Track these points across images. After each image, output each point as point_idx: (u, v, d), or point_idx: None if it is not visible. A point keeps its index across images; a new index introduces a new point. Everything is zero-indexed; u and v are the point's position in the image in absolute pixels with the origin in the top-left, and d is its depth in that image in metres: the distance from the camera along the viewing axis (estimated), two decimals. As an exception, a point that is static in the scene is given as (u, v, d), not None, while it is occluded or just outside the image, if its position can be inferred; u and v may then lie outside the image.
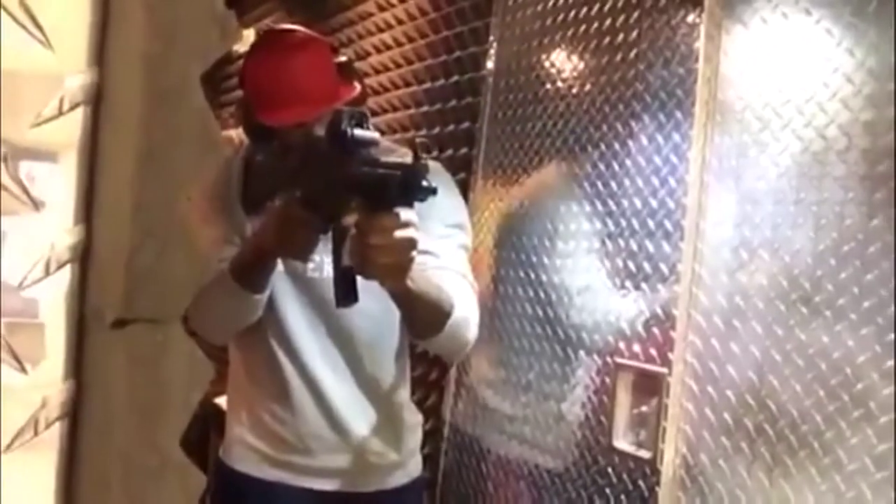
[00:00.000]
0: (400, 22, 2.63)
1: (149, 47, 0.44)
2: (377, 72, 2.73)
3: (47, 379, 0.46)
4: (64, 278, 0.46)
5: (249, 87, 1.33)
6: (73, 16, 0.45)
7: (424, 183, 1.00)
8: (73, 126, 0.46)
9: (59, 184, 0.46)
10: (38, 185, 0.45)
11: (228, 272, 1.28)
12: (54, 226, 0.45)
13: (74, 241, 0.45)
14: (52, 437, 0.47)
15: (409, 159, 1.01)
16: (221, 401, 1.83)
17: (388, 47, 2.68)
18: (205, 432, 3.23)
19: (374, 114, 2.69)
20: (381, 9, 2.72)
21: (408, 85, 2.57)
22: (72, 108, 0.45)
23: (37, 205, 0.44)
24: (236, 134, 1.41)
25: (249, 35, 3.30)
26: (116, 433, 0.46)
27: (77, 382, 0.47)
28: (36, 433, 0.45)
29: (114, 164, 0.46)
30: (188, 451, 3.65)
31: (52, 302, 0.47)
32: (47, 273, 0.45)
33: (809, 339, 1.25)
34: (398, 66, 2.63)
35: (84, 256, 0.46)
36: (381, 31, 2.73)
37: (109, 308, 0.47)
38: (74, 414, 0.48)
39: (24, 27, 0.42)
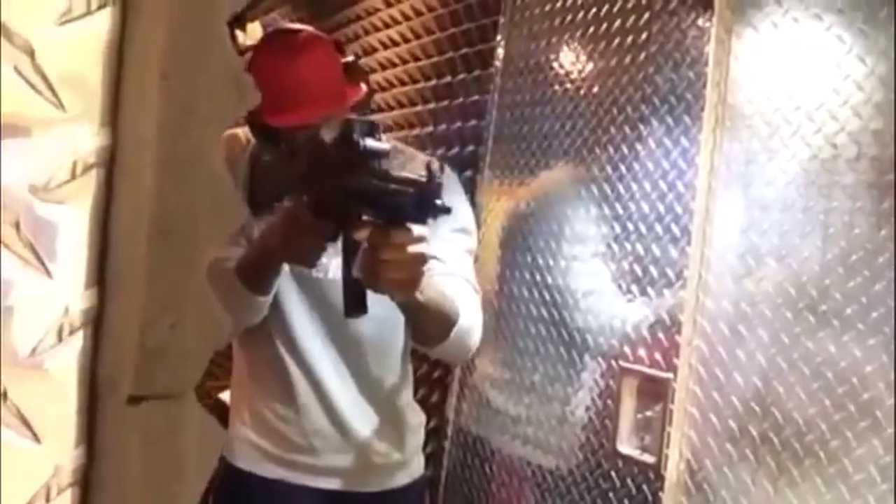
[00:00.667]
0: (407, 18, 2.62)
1: (165, 115, 0.43)
2: (384, 68, 2.72)
3: (59, 446, 0.45)
4: (77, 344, 0.45)
5: (255, 88, 1.33)
6: (86, 76, 0.44)
7: (438, 202, 0.99)
8: (85, 189, 0.45)
9: (71, 247, 0.45)
10: (49, 249, 0.44)
11: (234, 272, 1.27)
12: (67, 290, 0.44)
13: (87, 305, 0.44)
14: None
15: (422, 175, 1.00)
16: (225, 396, 1.84)
17: (395, 43, 2.67)
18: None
19: (381, 110, 2.69)
20: (388, 4, 2.71)
21: (415, 81, 2.57)
22: (85, 171, 0.45)
23: (48, 269, 0.43)
24: (243, 132, 1.40)
25: (255, 28, 3.29)
26: None
27: (89, 448, 0.46)
28: (48, 501, 0.44)
29: (126, 232, 0.45)
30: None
31: (64, 368, 0.46)
32: (60, 339, 0.44)
33: (816, 348, 1.25)
34: (405, 62, 2.63)
35: (97, 321, 0.46)
36: (387, 26, 2.72)
37: (123, 382, 0.46)
38: (86, 481, 0.47)
39: (34, 88, 0.41)
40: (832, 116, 1.29)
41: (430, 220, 1.02)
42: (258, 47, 1.36)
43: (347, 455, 1.47)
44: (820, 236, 1.28)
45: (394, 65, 2.68)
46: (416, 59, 2.57)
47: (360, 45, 2.83)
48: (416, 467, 1.58)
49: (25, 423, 0.43)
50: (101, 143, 0.46)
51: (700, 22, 1.52)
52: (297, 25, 1.43)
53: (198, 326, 0.45)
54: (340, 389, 1.44)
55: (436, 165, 0.98)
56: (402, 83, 2.62)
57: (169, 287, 0.44)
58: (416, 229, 1.06)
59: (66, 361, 0.45)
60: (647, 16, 1.65)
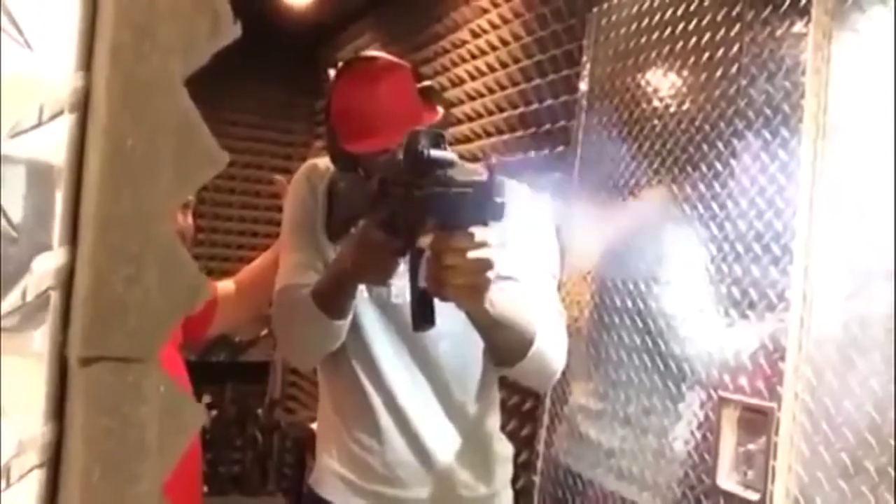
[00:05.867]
0: (493, 48, 2.62)
1: (117, 38, 0.40)
2: (471, 98, 2.73)
3: (25, 420, 0.42)
4: (44, 305, 0.42)
5: (333, 116, 1.34)
6: (57, 10, 0.41)
7: (498, 200, 0.97)
8: (56, 136, 0.43)
9: (40, 200, 0.42)
10: (15, 202, 0.41)
11: (311, 298, 1.28)
12: (33, 249, 0.41)
13: (57, 264, 0.41)
14: (30, 488, 0.42)
15: (483, 177, 0.98)
16: (315, 426, 1.84)
17: (483, 73, 2.68)
18: (301, 458, 3.28)
19: (469, 140, 2.69)
20: (475, 35, 2.73)
21: (502, 110, 2.56)
22: (54, 117, 0.42)
23: (13, 224, 0.40)
24: (322, 163, 1.42)
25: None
26: (78, 490, 0.41)
27: (60, 426, 0.42)
28: (9, 484, 0.40)
29: (88, 177, 0.42)
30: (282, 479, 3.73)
31: (30, 331, 0.42)
32: (24, 300, 0.41)
33: (939, 374, 1.13)
34: (492, 91, 2.62)
35: (69, 282, 0.43)
36: (474, 57, 2.73)
37: (74, 343, 0.42)
38: (57, 462, 0.43)
39: None
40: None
41: (490, 220, 0.99)
42: (336, 76, 1.37)
43: (433, 486, 1.43)
44: (939, 250, 1.16)
45: (481, 95, 2.68)
46: (504, 87, 2.56)
47: (448, 76, 2.85)
48: (504, 501, 1.52)
49: None
50: (73, 85, 0.42)
51: (795, 29, 1.44)
52: (374, 53, 1.43)
53: (160, 281, 0.41)
54: (423, 418, 1.41)
55: (494, 162, 0.96)
56: (490, 113, 2.62)
57: (124, 234, 0.40)
58: (480, 234, 1.04)
59: (32, 323, 0.42)
60: (738, 27, 1.57)
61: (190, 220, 1.58)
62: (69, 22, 0.42)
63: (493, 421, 1.51)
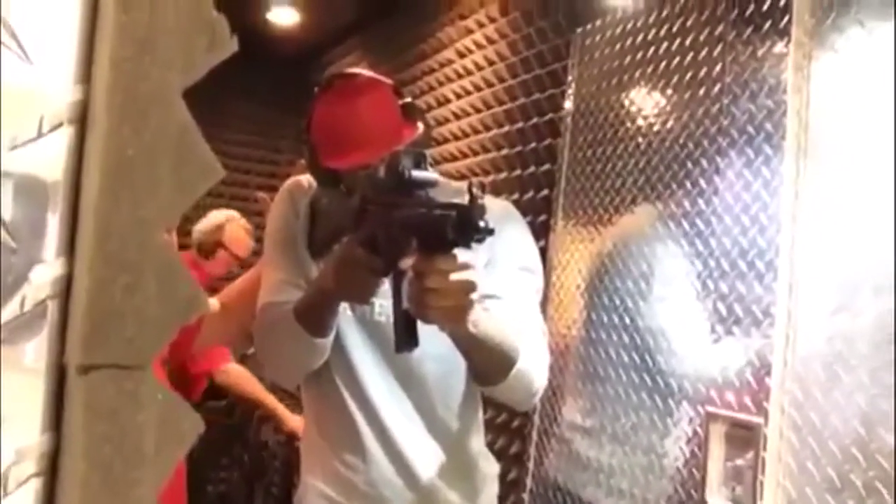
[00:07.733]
0: (479, 67, 2.65)
1: (118, 52, 0.40)
2: (457, 117, 2.74)
3: (23, 429, 0.41)
4: (43, 317, 0.42)
5: (314, 132, 1.34)
6: (57, 25, 0.41)
7: (481, 223, 0.97)
8: (55, 148, 0.43)
9: (37, 211, 0.42)
10: (14, 213, 0.41)
11: (293, 315, 1.27)
12: (31, 259, 0.41)
13: (55, 275, 0.41)
14: (27, 497, 0.41)
15: (465, 199, 0.98)
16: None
17: (468, 92, 2.70)
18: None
19: (455, 158, 2.70)
20: (461, 55, 2.75)
21: (487, 129, 2.58)
22: (53, 129, 0.42)
23: (12, 235, 0.40)
24: (306, 179, 1.42)
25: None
26: (76, 495, 0.41)
27: (58, 435, 0.43)
28: (6, 493, 0.40)
29: (87, 187, 0.43)
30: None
31: (28, 342, 0.42)
32: (23, 310, 0.41)
33: (923, 388, 1.14)
34: (478, 110, 2.64)
35: (67, 293, 0.43)
36: (460, 77, 2.75)
37: (73, 351, 0.42)
38: (54, 471, 0.43)
39: None
40: (927, 137, 1.20)
41: (473, 242, 0.99)
42: (318, 92, 1.37)
43: (419, 505, 1.42)
44: (921, 265, 1.18)
45: (467, 114, 2.70)
46: (489, 107, 2.58)
47: (434, 95, 2.87)
48: (492, 520, 1.51)
49: None
50: (72, 98, 0.43)
51: (776, 49, 1.47)
52: (355, 70, 1.44)
53: (158, 290, 0.41)
54: (407, 437, 1.40)
55: (476, 189, 0.96)
56: (476, 132, 2.64)
57: (122, 244, 0.40)
58: (462, 256, 1.03)
59: (29, 333, 0.42)
60: (720, 47, 1.60)
61: (174, 237, 1.58)
62: (68, 36, 0.43)
63: (478, 439, 1.51)
